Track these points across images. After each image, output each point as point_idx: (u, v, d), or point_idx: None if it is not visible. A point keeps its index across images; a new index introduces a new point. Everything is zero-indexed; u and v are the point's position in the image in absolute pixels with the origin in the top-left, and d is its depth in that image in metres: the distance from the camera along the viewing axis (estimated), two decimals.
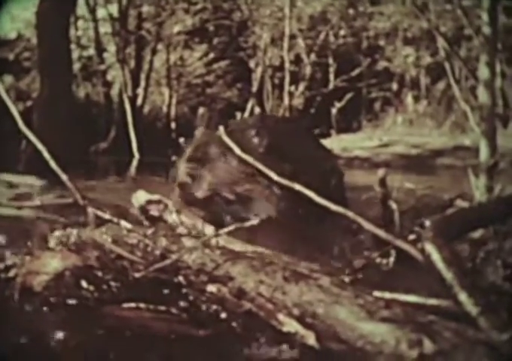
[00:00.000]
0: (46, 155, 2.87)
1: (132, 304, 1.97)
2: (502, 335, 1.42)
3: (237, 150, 3.40)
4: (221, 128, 3.62)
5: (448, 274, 1.62)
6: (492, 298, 1.68)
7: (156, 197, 3.00)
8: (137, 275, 2.08)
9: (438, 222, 1.93)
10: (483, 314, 1.49)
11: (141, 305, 1.96)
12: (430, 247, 1.72)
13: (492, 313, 1.50)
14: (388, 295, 1.83)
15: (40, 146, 2.95)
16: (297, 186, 2.84)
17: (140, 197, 3.02)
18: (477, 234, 2.92)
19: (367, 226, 2.10)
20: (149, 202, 2.98)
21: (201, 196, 3.32)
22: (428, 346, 1.37)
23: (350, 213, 2.27)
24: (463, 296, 1.55)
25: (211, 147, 3.46)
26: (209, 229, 2.67)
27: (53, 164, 2.83)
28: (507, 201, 2.45)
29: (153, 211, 2.92)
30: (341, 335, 1.56)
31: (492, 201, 2.93)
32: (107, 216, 2.65)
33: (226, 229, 2.38)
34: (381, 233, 2.05)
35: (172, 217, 2.85)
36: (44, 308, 1.98)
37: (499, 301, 1.81)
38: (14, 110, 3.28)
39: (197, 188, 3.42)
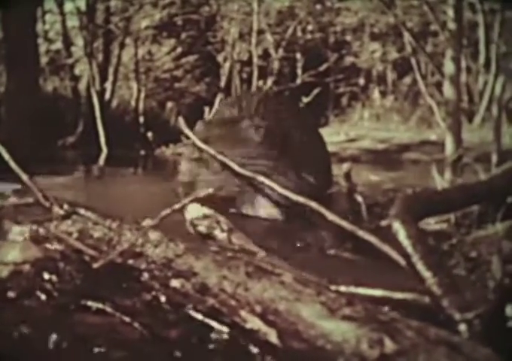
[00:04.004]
0: (5, 155, 2.76)
1: (98, 305, 1.93)
2: (465, 314, 1.44)
3: (197, 141, 3.41)
4: (180, 119, 3.64)
5: (413, 252, 1.63)
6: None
7: (210, 212, 2.88)
8: (95, 265, 2.05)
9: (405, 199, 1.94)
10: (447, 295, 1.51)
11: (108, 309, 1.92)
12: (397, 225, 1.72)
13: (455, 293, 1.52)
14: (353, 289, 1.84)
15: None
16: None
17: (193, 211, 2.91)
18: (440, 226, 2.96)
19: (331, 216, 2.10)
20: (203, 217, 2.84)
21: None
22: (389, 345, 1.38)
23: (313, 204, 2.26)
24: (427, 274, 1.57)
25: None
26: (260, 253, 2.54)
27: (12, 164, 2.72)
28: (470, 188, 2.48)
29: (202, 227, 2.79)
30: (302, 334, 1.56)
31: (455, 187, 2.97)
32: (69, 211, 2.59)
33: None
34: (344, 224, 2.06)
35: (222, 235, 2.73)
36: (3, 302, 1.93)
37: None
38: None
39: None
